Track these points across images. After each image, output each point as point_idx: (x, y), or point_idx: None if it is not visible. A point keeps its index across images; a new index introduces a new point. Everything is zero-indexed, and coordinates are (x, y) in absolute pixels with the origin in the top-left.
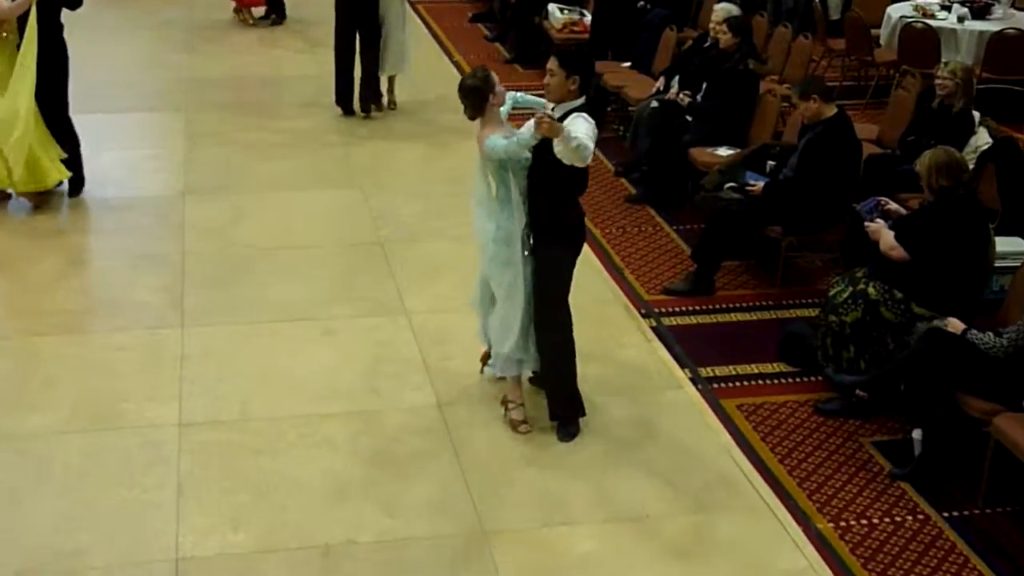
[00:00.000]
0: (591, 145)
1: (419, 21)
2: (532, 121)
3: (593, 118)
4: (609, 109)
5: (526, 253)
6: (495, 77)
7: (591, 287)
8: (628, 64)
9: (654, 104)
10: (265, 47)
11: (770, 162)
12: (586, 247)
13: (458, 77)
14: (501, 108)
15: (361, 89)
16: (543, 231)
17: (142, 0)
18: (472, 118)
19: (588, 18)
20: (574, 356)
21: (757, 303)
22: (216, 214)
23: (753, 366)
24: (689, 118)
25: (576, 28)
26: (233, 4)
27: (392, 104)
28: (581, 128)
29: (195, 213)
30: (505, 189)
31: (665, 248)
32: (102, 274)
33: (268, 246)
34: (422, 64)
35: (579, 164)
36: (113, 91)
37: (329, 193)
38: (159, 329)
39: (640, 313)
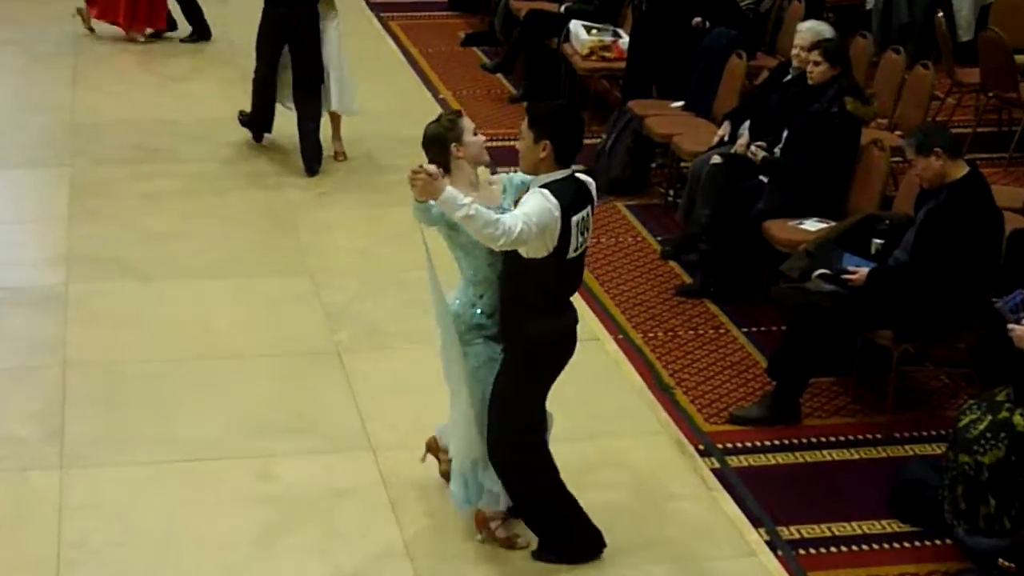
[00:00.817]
0: (514, 227)
1: (391, 44)
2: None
3: (575, 198)
4: (654, 166)
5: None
6: (467, 124)
7: (628, 413)
8: (680, 104)
9: (716, 159)
10: (176, 80)
11: (876, 241)
12: (623, 358)
13: None
14: (508, 176)
15: (302, 150)
16: (504, 339)
17: (9, 9)
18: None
19: (624, 40)
20: (555, 495)
21: (859, 436)
22: (110, 310)
23: (854, 525)
24: (764, 179)
25: (608, 54)
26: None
27: (341, 156)
28: (529, 206)
29: (82, 309)
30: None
31: (731, 359)
32: None
33: (181, 355)
34: (395, 102)
35: (491, 245)
36: None
37: (267, 281)
38: (29, 471)
39: (697, 450)
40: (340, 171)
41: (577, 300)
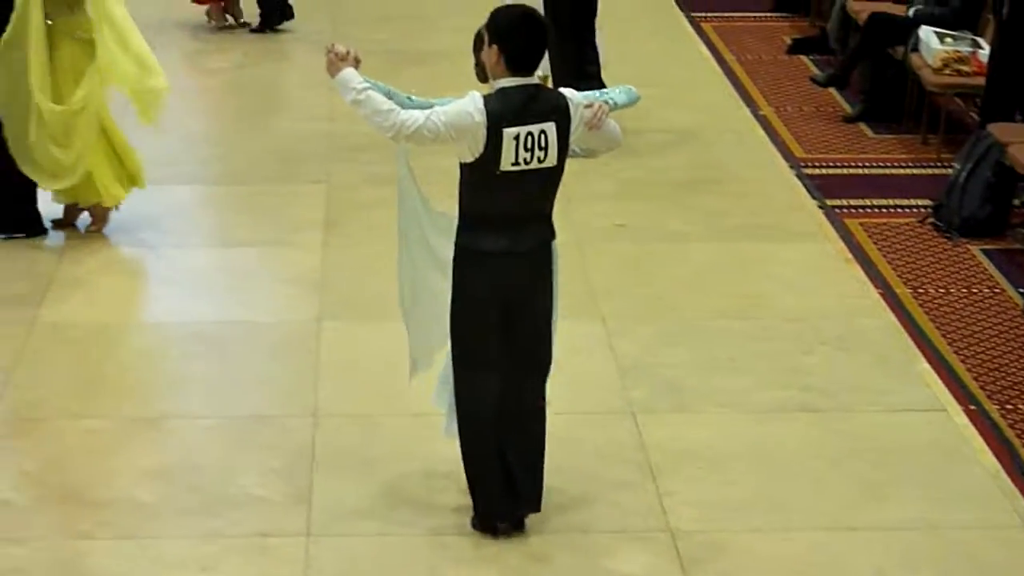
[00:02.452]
0: (411, 122)
1: (703, 48)
2: None
3: (521, 109)
4: (1018, 204)
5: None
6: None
7: (979, 502)
8: None
9: None
10: (452, 65)
11: None
12: (975, 433)
13: (763, 138)
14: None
15: None
16: None
17: None
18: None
19: (985, 52)
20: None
21: None
22: (368, 354)
23: None
24: None
25: (964, 68)
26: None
27: None
28: (449, 106)
29: (335, 352)
30: None
31: None
32: (183, 444)
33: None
34: (703, 117)
35: (383, 135)
36: (214, 145)
37: None
38: (271, 538)
39: None
40: (643, 196)
41: (918, 362)
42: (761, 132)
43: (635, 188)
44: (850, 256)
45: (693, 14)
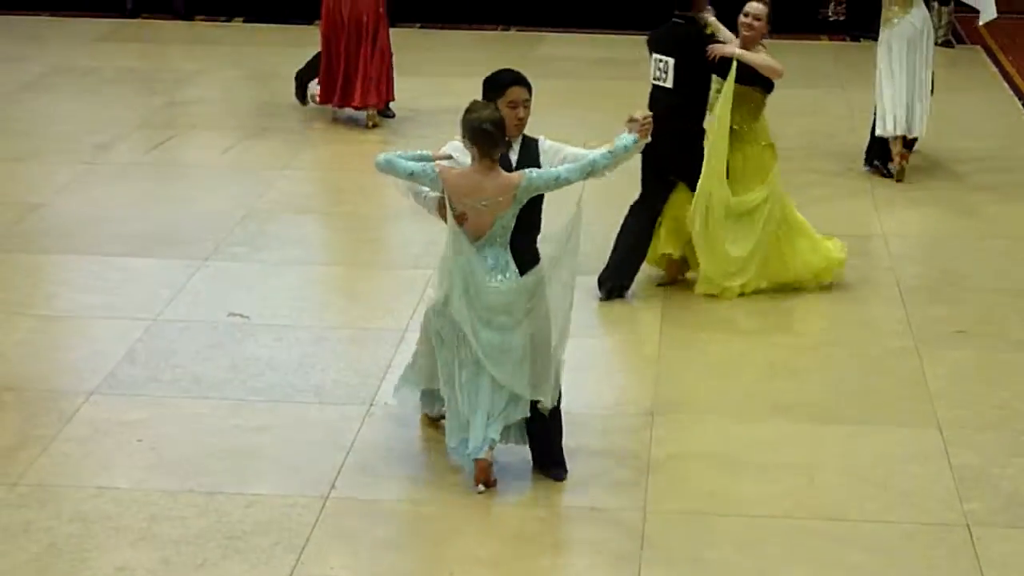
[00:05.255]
0: None
1: (1009, 93)
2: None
3: None
4: None
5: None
6: None
7: None
8: None
9: None
10: None
11: None
12: None
13: None
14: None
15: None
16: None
17: None
18: (494, 158)
19: None
20: None
21: None
22: (700, 451)
23: None
24: None
25: None
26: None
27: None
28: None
29: (668, 445)
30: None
31: None
32: (512, 530)
33: (777, 511)
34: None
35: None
36: None
37: (885, 430)
38: None
39: None
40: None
41: None
42: None
43: (977, 295)
44: None
45: None
